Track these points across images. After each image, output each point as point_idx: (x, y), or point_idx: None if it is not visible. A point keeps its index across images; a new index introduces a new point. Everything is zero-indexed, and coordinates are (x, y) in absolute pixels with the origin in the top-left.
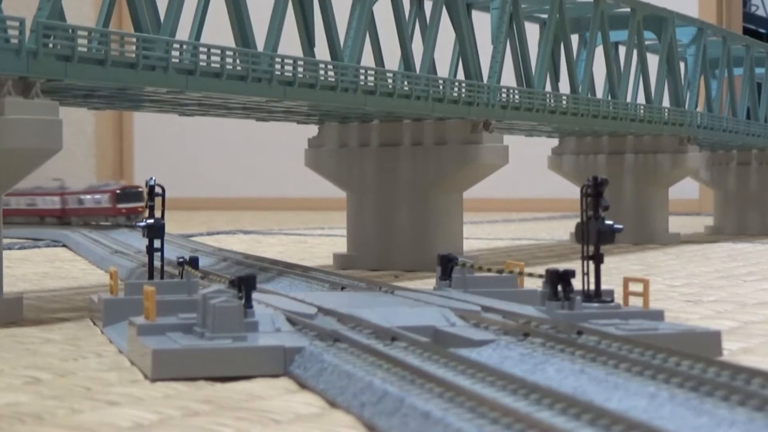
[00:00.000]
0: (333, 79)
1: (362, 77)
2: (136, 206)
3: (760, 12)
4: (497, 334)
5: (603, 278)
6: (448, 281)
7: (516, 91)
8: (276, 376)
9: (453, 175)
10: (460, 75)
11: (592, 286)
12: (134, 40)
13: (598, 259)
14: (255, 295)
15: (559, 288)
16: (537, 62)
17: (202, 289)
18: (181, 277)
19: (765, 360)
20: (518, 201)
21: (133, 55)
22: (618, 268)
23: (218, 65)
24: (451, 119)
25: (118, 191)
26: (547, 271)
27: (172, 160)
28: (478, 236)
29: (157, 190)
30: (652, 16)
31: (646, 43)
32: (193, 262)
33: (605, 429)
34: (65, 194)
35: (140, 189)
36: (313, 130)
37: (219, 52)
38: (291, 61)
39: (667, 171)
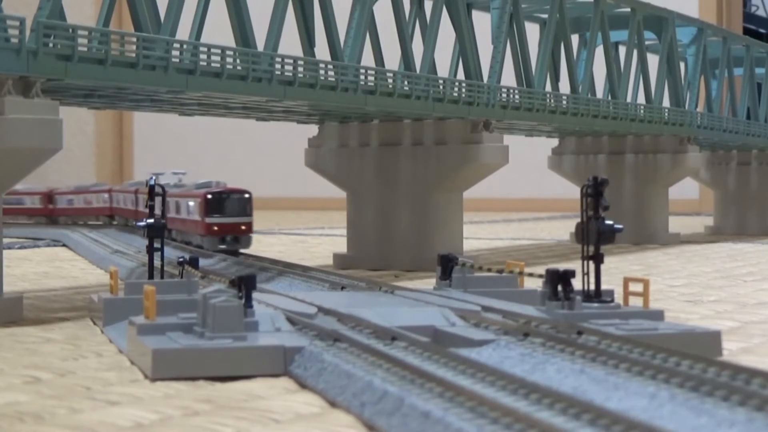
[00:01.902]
0: (333, 79)
1: (362, 77)
2: (239, 223)
3: (760, 12)
4: (497, 334)
5: (603, 278)
6: (448, 281)
7: (516, 91)
8: (276, 375)
9: (453, 175)
10: (460, 75)
11: (592, 286)
12: (134, 39)
13: (598, 259)
14: (255, 295)
15: (559, 288)
16: (537, 62)
17: (202, 289)
18: (181, 277)
19: (765, 360)
20: (518, 201)
21: (133, 55)
22: (618, 268)
23: (218, 65)
24: (451, 119)
25: (209, 196)
26: (547, 271)
27: (172, 160)
28: (478, 236)
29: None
30: (652, 16)
31: (646, 43)
32: (193, 262)
33: (605, 429)
34: (115, 192)
35: (246, 194)
36: (313, 130)
37: (219, 51)
38: (291, 61)
39: (667, 171)
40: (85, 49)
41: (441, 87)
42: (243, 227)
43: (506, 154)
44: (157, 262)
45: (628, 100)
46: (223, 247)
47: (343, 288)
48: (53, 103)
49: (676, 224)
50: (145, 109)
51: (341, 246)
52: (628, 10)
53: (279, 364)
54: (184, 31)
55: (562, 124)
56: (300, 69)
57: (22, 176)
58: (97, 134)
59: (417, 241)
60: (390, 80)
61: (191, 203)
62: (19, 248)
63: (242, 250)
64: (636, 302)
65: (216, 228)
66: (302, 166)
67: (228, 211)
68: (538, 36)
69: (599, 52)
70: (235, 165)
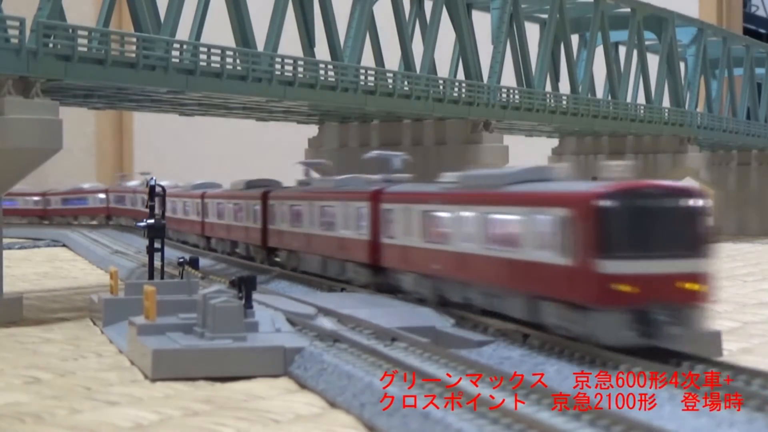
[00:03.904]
0: (333, 79)
1: (362, 77)
2: (683, 275)
3: (760, 12)
4: (496, 335)
5: None
6: None
7: (516, 91)
8: (276, 376)
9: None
10: (460, 75)
11: None
12: (134, 39)
13: None
14: (255, 296)
15: None
16: (537, 62)
17: (202, 290)
18: (181, 277)
19: (765, 360)
20: None
21: (133, 55)
22: None
23: (218, 65)
24: (451, 119)
25: (608, 203)
26: None
27: (172, 160)
28: None
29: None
30: (652, 16)
31: (646, 43)
32: (193, 262)
33: (605, 429)
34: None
35: (694, 198)
36: (313, 130)
37: (219, 52)
38: (291, 61)
39: (667, 171)
40: (85, 49)
41: (441, 87)
42: (693, 283)
43: (506, 154)
44: (157, 263)
45: (628, 100)
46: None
47: (343, 289)
48: (53, 103)
49: None
50: (145, 109)
51: None
52: (628, 10)
53: (279, 364)
54: (184, 31)
55: (562, 124)
56: (300, 69)
57: (22, 176)
58: (97, 134)
59: None
60: (390, 80)
61: (512, 218)
62: (19, 248)
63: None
64: None
65: (628, 288)
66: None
67: (658, 242)
68: (538, 36)
69: (599, 52)
70: (235, 165)
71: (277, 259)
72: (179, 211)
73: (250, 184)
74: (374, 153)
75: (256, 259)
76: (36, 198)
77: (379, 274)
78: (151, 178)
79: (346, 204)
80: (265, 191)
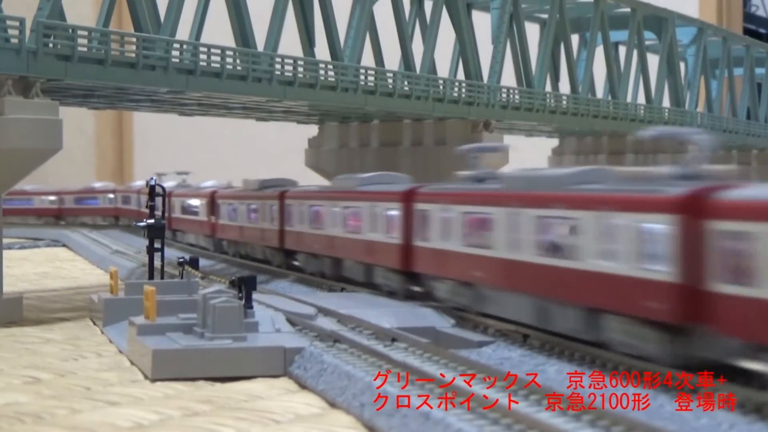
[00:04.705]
0: (333, 79)
1: (362, 77)
2: None
3: (760, 12)
4: (496, 335)
5: None
6: None
7: (516, 91)
8: (276, 376)
9: (453, 175)
10: (460, 75)
11: None
12: (134, 39)
13: None
14: (255, 296)
15: None
16: (537, 62)
17: (202, 290)
18: (181, 277)
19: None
20: None
21: (133, 55)
22: None
23: (218, 65)
24: (451, 119)
25: None
26: None
27: (172, 160)
28: None
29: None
30: (652, 16)
31: (646, 43)
32: (193, 262)
33: (605, 429)
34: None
35: None
36: (313, 130)
37: (219, 52)
38: (291, 61)
39: None
40: (85, 49)
41: (441, 87)
42: None
43: (506, 154)
44: (157, 263)
45: (628, 100)
46: None
47: (343, 289)
48: (53, 103)
49: None
50: (145, 109)
51: None
52: (628, 10)
53: (279, 364)
54: (184, 31)
55: (562, 124)
56: (300, 69)
57: (21, 176)
58: (97, 134)
59: None
60: (390, 80)
61: None
62: (19, 248)
63: None
64: None
65: None
66: (302, 166)
67: None
68: (538, 36)
69: (599, 52)
70: (235, 164)
71: (417, 289)
72: (240, 217)
73: (368, 181)
74: (658, 130)
75: (382, 287)
76: (111, 195)
77: (687, 338)
78: (152, 178)
79: (603, 216)
80: (408, 190)
